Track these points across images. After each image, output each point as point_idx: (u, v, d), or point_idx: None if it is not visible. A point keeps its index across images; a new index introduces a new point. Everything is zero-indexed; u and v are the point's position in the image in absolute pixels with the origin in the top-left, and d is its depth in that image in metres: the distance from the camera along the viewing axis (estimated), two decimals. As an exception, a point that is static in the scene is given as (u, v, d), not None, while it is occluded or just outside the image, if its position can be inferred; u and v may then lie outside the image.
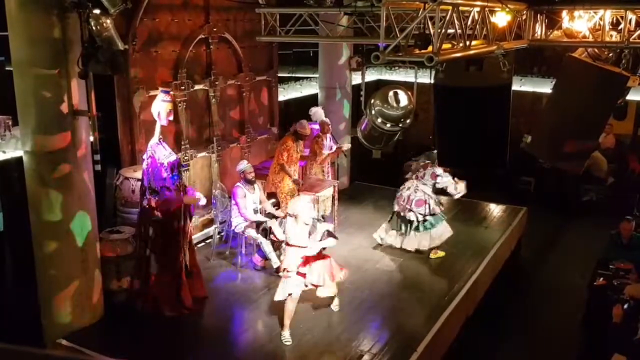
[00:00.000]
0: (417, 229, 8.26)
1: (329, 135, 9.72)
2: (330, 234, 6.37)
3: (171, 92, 7.19)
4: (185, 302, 6.76)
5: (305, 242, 6.26)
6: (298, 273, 6.27)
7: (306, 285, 6.37)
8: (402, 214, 8.30)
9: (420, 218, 8.20)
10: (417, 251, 8.31)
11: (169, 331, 6.45)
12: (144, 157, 6.69)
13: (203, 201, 7.33)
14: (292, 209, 6.32)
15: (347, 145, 10.03)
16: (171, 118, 6.77)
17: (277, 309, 6.75)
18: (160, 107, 6.57)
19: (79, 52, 5.53)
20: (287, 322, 6.31)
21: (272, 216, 7.77)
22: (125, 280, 6.86)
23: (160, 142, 6.67)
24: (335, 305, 6.88)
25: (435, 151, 8.51)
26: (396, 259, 8.32)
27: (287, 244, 6.37)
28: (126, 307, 6.77)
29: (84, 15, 5.37)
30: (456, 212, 10.30)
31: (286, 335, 6.28)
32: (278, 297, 6.36)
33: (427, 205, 8.19)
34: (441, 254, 8.38)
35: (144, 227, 6.71)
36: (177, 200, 6.65)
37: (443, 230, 8.33)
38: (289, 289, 6.29)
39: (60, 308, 6.17)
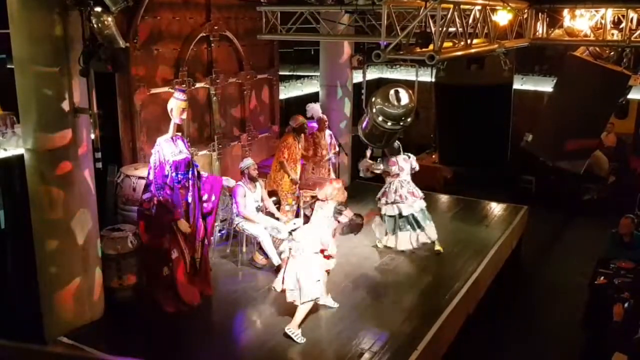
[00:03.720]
0: (406, 227, 8.34)
1: (328, 132, 9.72)
2: None
3: (187, 91, 7.20)
4: (185, 299, 6.76)
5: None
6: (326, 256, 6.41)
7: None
8: (402, 213, 8.32)
9: (421, 206, 8.27)
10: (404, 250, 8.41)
11: (169, 329, 6.45)
12: (153, 151, 6.70)
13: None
14: (323, 195, 6.43)
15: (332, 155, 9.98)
16: (184, 117, 6.78)
17: (279, 307, 6.76)
18: (174, 104, 6.59)
19: (80, 50, 5.52)
20: (300, 320, 6.28)
21: (272, 215, 7.76)
22: (126, 278, 6.86)
23: (173, 139, 6.67)
24: (331, 302, 6.89)
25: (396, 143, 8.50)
26: (396, 257, 8.32)
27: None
28: (127, 305, 6.77)
29: (86, 13, 5.37)
30: (457, 210, 10.31)
31: (299, 333, 6.24)
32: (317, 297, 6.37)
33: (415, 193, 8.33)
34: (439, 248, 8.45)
35: (139, 223, 6.74)
36: (174, 211, 6.65)
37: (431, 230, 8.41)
38: (319, 292, 6.35)
39: (62, 306, 6.18)
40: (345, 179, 11.13)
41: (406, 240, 8.38)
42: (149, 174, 6.66)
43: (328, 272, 6.62)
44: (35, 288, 6.28)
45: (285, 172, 8.56)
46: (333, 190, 6.46)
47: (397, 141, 8.44)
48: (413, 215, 8.29)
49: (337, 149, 9.98)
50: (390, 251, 8.45)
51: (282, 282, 6.38)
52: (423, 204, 8.38)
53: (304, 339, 6.22)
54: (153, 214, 6.60)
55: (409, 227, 8.34)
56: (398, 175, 8.39)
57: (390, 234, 8.46)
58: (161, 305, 6.66)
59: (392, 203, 8.37)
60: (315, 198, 6.78)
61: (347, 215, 6.47)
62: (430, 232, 8.36)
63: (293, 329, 6.26)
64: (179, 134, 6.82)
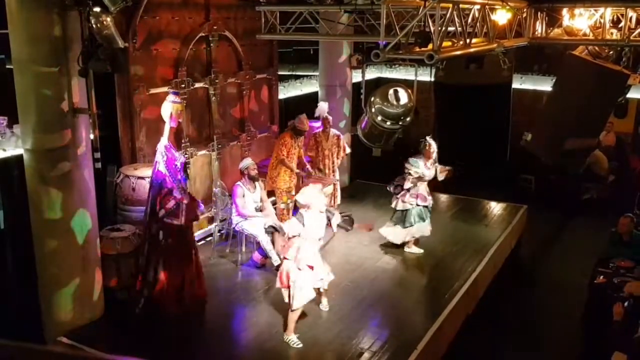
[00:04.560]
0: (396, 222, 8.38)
1: (335, 132, 9.70)
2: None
3: (180, 93, 7.18)
4: (188, 300, 6.76)
5: (321, 233, 6.25)
6: (308, 266, 6.19)
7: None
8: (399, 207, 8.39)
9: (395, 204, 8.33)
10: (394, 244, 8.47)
11: (169, 329, 6.44)
12: (158, 159, 6.62)
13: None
14: (304, 199, 6.20)
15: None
16: (181, 120, 6.77)
17: (278, 307, 6.76)
18: (172, 108, 6.59)
19: (79, 50, 5.53)
20: (292, 326, 6.23)
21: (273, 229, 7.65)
22: (126, 278, 6.85)
23: (170, 143, 6.69)
24: (325, 305, 6.84)
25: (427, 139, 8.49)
26: (396, 256, 8.33)
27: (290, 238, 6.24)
28: (126, 305, 6.76)
29: (84, 13, 5.37)
30: (456, 210, 10.32)
31: (294, 338, 6.19)
32: (297, 304, 6.15)
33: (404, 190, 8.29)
34: (417, 251, 8.44)
35: (162, 230, 6.67)
36: (195, 207, 6.71)
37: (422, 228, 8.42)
38: (307, 296, 6.19)
39: (61, 306, 6.18)
40: (345, 179, 11.13)
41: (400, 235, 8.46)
42: (165, 181, 6.58)
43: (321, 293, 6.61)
44: (35, 288, 6.27)
45: (289, 168, 8.56)
46: (314, 193, 6.32)
47: (426, 139, 8.39)
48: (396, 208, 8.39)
49: (348, 151, 9.93)
50: (389, 251, 8.45)
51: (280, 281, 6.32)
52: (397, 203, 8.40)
53: (301, 344, 6.17)
54: (183, 218, 6.60)
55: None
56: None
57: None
58: (164, 307, 6.64)
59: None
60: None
61: (337, 217, 6.47)
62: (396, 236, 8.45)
63: (287, 336, 6.22)
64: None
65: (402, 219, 8.36)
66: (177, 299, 6.70)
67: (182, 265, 6.71)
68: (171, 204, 6.55)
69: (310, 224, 6.17)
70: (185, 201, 6.59)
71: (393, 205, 8.43)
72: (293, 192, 8.72)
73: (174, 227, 6.61)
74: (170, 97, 6.70)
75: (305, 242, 6.18)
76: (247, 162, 7.86)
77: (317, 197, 6.22)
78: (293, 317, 6.22)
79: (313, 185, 6.59)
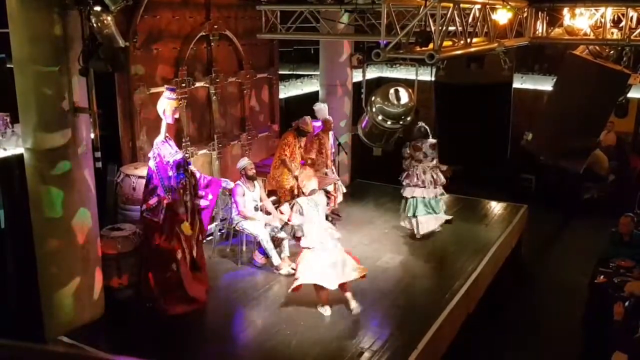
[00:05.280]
0: (426, 211, 8.59)
1: (331, 133, 9.73)
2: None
3: (177, 90, 7.18)
4: (194, 295, 6.75)
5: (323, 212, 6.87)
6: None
7: None
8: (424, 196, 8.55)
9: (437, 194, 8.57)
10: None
11: (169, 328, 6.45)
12: (150, 155, 6.67)
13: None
14: (308, 188, 6.60)
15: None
16: (177, 116, 6.78)
17: (278, 307, 6.77)
18: (165, 104, 6.58)
19: (80, 49, 5.52)
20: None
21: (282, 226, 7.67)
22: (125, 277, 6.85)
23: (166, 140, 6.68)
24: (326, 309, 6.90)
25: (420, 124, 8.62)
26: (396, 256, 8.32)
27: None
28: (127, 304, 6.77)
29: (85, 12, 5.36)
30: (457, 209, 10.30)
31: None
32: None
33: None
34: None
35: (144, 225, 6.71)
36: (179, 213, 6.68)
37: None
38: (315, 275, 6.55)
39: (62, 305, 6.17)
40: (346, 179, 11.13)
41: (425, 224, 8.58)
42: (152, 177, 6.62)
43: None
44: (35, 288, 6.27)
45: (288, 169, 8.57)
46: (312, 180, 6.58)
47: (424, 125, 8.55)
48: (430, 200, 8.51)
49: (337, 148, 10.01)
50: (390, 251, 8.44)
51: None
52: (440, 191, 8.64)
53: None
54: (161, 218, 6.59)
55: (430, 210, 8.57)
56: (421, 161, 8.48)
57: (410, 216, 8.63)
58: (166, 310, 6.63)
59: (414, 186, 8.53)
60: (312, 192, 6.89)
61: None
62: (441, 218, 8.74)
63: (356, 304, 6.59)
64: (167, 134, 6.83)
65: (404, 207, 8.60)
66: (177, 296, 6.69)
67: (169, 262, 6.67)
68: (153, 200, 6.56)
69: (311, 209, 6.59)
70: (166, 201, 6.55)
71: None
72: (296, 192, 8.74)
73: (155, 224, 6.61)
74: (166, 94, 6.69)
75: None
76: (244, 162, 7.87)
77: (313, 180, 6.67)
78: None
79: (302, 172, 6.81)
